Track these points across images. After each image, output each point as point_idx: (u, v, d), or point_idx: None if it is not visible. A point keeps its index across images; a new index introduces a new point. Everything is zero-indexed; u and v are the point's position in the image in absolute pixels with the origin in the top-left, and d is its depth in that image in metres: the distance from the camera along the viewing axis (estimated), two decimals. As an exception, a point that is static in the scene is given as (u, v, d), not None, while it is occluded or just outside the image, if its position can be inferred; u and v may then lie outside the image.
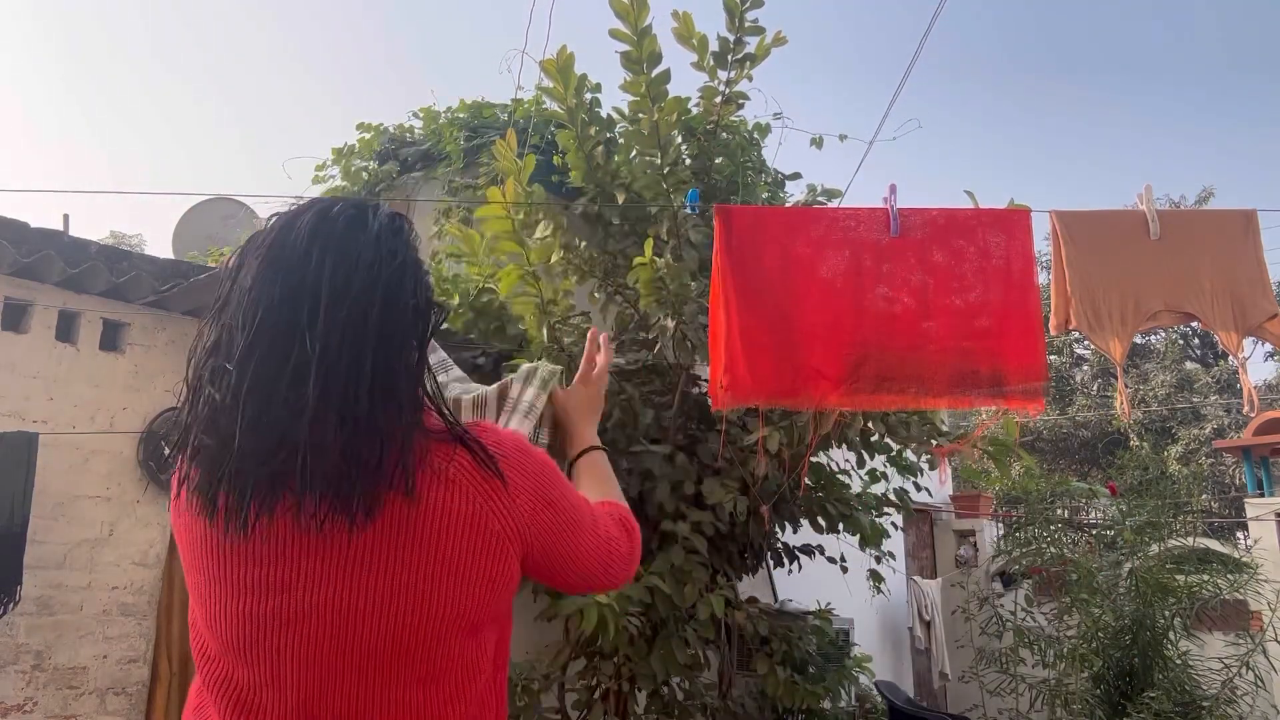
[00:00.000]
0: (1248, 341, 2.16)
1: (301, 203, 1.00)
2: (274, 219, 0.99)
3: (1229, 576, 4.85)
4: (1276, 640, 4.56)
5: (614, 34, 3.10)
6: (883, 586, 5.18)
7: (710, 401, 2.09)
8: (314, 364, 0.87)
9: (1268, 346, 15.76)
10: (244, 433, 0.87)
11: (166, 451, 3.94)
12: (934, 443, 4.24)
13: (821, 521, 4.19)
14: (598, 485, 1.33)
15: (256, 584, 0.93)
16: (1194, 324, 2.17)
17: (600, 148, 3.80)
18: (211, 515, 0.91)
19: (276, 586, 0.92)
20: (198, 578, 0.98)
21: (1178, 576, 4.83)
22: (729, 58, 3.31)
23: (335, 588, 0.91)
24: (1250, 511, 7.04)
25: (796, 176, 4.95)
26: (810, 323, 2.04)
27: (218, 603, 0.96)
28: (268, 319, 0.90)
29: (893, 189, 2.09)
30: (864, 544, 4.30)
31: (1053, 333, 2.13)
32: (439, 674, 0.96)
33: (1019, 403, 2.03)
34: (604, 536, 1.12)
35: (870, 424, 3.80)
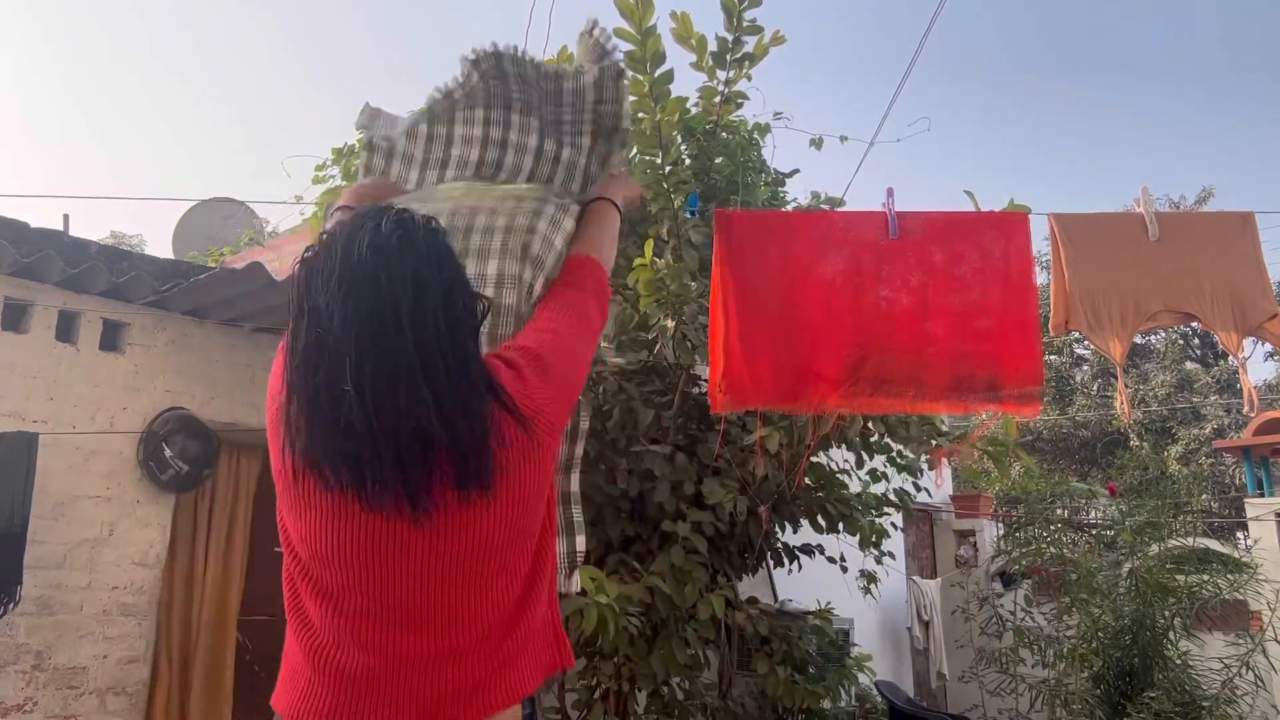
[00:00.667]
0: (1247, 341, 2.16)
1: (347, 219, 1.16)
2: (327, 236, 1.14)
3: (1229, 576, 4.85)
4: (1276, 640, 4.56)
5: (618, 33, 3.09)
6: (874, 588, 5.18)
7: (710, 404, 2.09)
8: (419, 372, 1.05)
9: (1267, 346, 15.77)
10: (384, 433, 1.04)
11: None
12: (934, 443, 4.24)
13: (821, 521, 4.18)
14: (588, 233, 1.55)
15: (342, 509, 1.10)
16: (1194, 324, 2.17)
17: (600, 148, 3.79)
18: (358, 494, 1.07)
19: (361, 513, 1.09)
20: (296, 516, 1.15)
21: (1178, 576, 4.82)
22: (727, 57, 3.31)
23: (415, 552, 1.10)
24: (1250, 511, 7.04)
25: (796, 173, 4.94)
26: (809, 326, 2.04)
27: (320, 532, 1.12)
28: (366, 337, 1.05)
29: (890, 192, 2.10)
30: (863, 544, 4.30)
31: (1053, 333, 2.13)
32: (512, 567, 1.18)
33: (1015, 407, 2.03)
34: (589, 327, 1.38)
35: (870, 424, 3.80)
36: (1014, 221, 2.15)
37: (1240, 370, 2.18)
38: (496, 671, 1.15)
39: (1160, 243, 2.13)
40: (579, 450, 1.83)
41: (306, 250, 1.14)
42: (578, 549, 1.83)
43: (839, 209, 4.24)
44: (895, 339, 2.03)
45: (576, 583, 1.80)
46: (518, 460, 1.13)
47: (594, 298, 1.42)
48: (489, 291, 1.62)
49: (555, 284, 1.43)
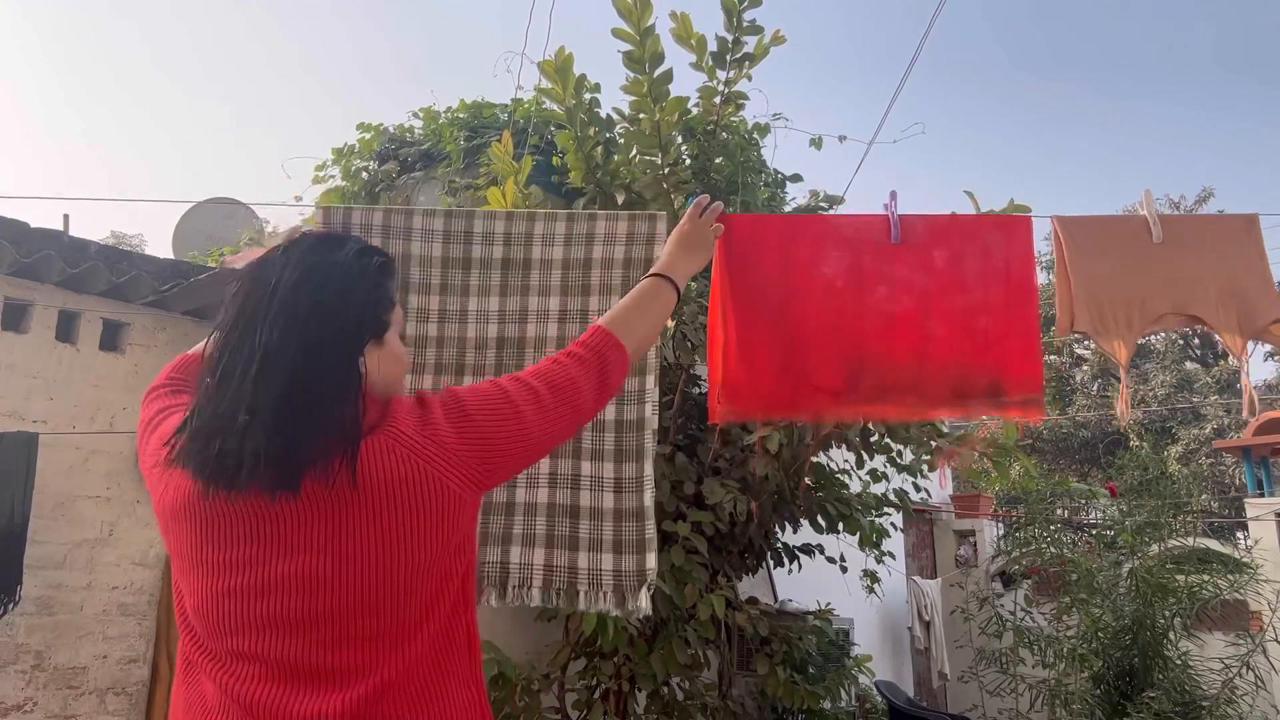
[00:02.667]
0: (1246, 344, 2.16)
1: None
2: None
3: (1229, 576, 4.85)
4: (1276, 640, 4.56)
5: (616, 33, 3.09)
6: (877, 587, 5.18)
7: (709, 414, 2.08)
8: (260, 352, 1.04)
9: (1267, 346, 15.75)
10: (203, 422, 1.05)
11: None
12: (934, 444, 4.24)
13: (821, 521, 4.18)
14: (619, 308, 1.45)
15: (228, 563, 1.07)
16: (1198, 327, 2.16)
17: (600, 148, 3.79)
18: (197, 478, 1.06)
19: (243, 564, 1.06)
20: (182, 565, 1.13)
21: (1178, 576, 4.82)
22: (727, 57, 3.31)
23: (297, 560, 1.05)
24: (1250, 511, 7.04)
25: (798, 179, 4.94)
26: (809, 333, 2.03)
27: (199, 586, 1.09)
28: (243, 317, 1.08)
29: (893, 196, 2.08)
30: (863, 544, 4.30)
31: (1057, 335, 2.12)
32: (403, 625, 1.08)
33: (1018, 413, 2.02)
34: (565, 403, 1.25)
35: (870, 424, 3.80)
36: (1016, 225, 2.14)
37: (1243, 374, 2.18)
38: None
39: (1164, 245, 2.12)
40: (648, 469, 1.86)
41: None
42: (648, 566, 1.84)
43: (840, 209, 4.24)
44: (896, 345, 2.02)
45: (646, 602, 1.81)
46: (387, 499, 1.06)
47: (589, 374, 1.30)
48: (552, 325, 1.86)
49: (566, 348, 1.35)
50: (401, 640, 1.08)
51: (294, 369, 1.05)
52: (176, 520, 1.11)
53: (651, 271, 1.56)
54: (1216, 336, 2.13)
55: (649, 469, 1.88)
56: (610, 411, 1.93)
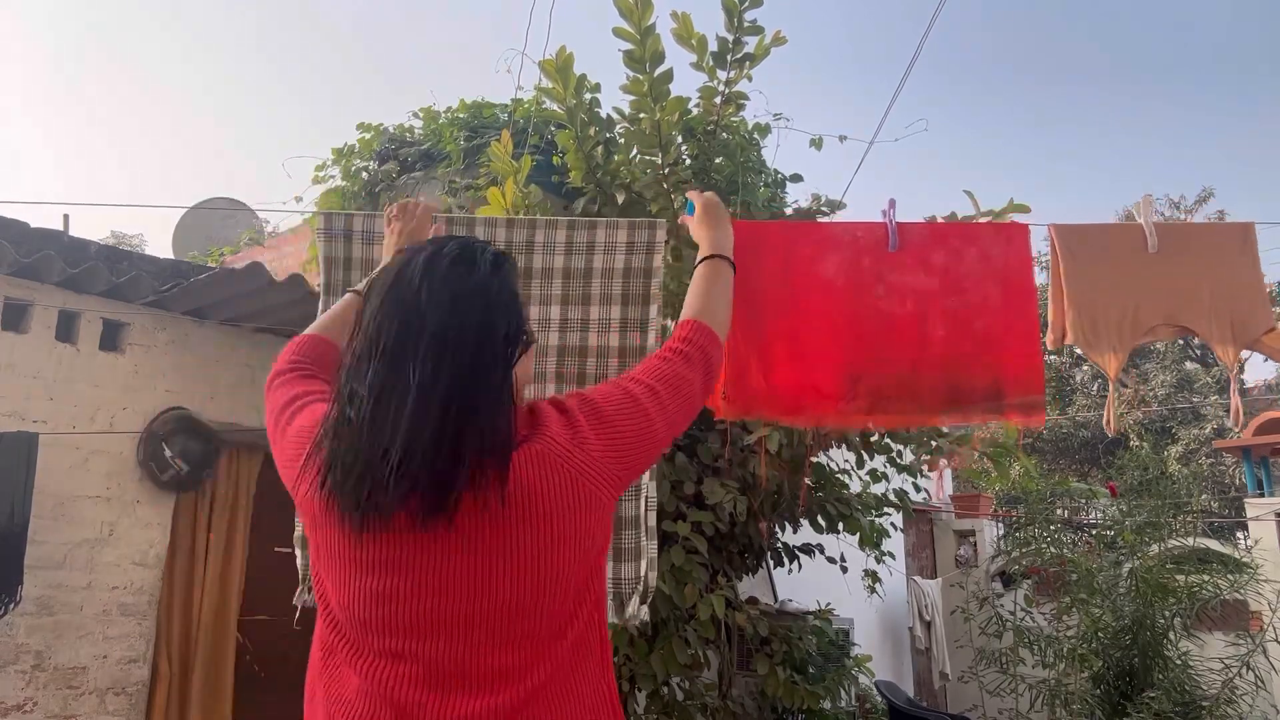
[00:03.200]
0: (1242, 351, 2.16)
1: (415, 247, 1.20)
2: (398, 255, 1.19)
3: (1229, 576, 4.84)
4: (1276, 640, 4.56)
5: (617, 32, 3.09)
6: (878, 587, 5.18)
7: (713, 411, 2.08)
8: (414, 388, 1.04)
9: (1268, 346, 15.71)
10: (367, 446, 1.04)
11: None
12: (934, 443, 4.24)
13: (821, 521, 4.19)
14: (694, 297, 1.48)
15: (382, 564, 1.07)
16: (1190, 338, 2.16)
17: (600, 148, 3.79)
18: (346, 511, 1.06)
19: (397, 565, 1.07)
20: (330, 562, 1.12)
21: (1178, 576, 4.82)
22: (728, 58, 3.31)
23: (453, 562, 1.06)
24: (1250, 511, 7.04)
25: (798, 179, 4.94)
26: (809, 339, 2.04)
27: (347, 581, 1.10)
28: (389, 348, 1.07)
29: (892, 203, 2.09)
30: (863, 544, 4.30)
31: (1050, 347, 2.13)
32: (554, 627, 1.09)
33: (1019, 417, 2.02)
34: (679, 397, 1.27)
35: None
36: (1014, 231, 2.15)
37: (1232, 385, 2.18)
38: None
39: (1159, 255, 2.12)
40: (645, 476, 1.88)
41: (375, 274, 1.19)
42: (646, 573, 1.86)
43: (840, 211, 4.24)
44: (896, 352, 2.03)
45: (644, 610, 1.82)
46: (541, 507, 1.08)
47: (695, 369, 1.33)
48: (553, 334, 1.83)
49: (665, 345, 1.38)
50: (552, 642, 1.09)
51: (449, 402, 1.04)
52: (318, 528, 1.12)
53: (702, 256, 1.59)
54: (1210, 348, 2.13)
55: (646, 477, 1.89)
56: None
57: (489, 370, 1.08)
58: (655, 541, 1.88)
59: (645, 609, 1.83)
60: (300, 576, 2.12)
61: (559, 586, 1.09)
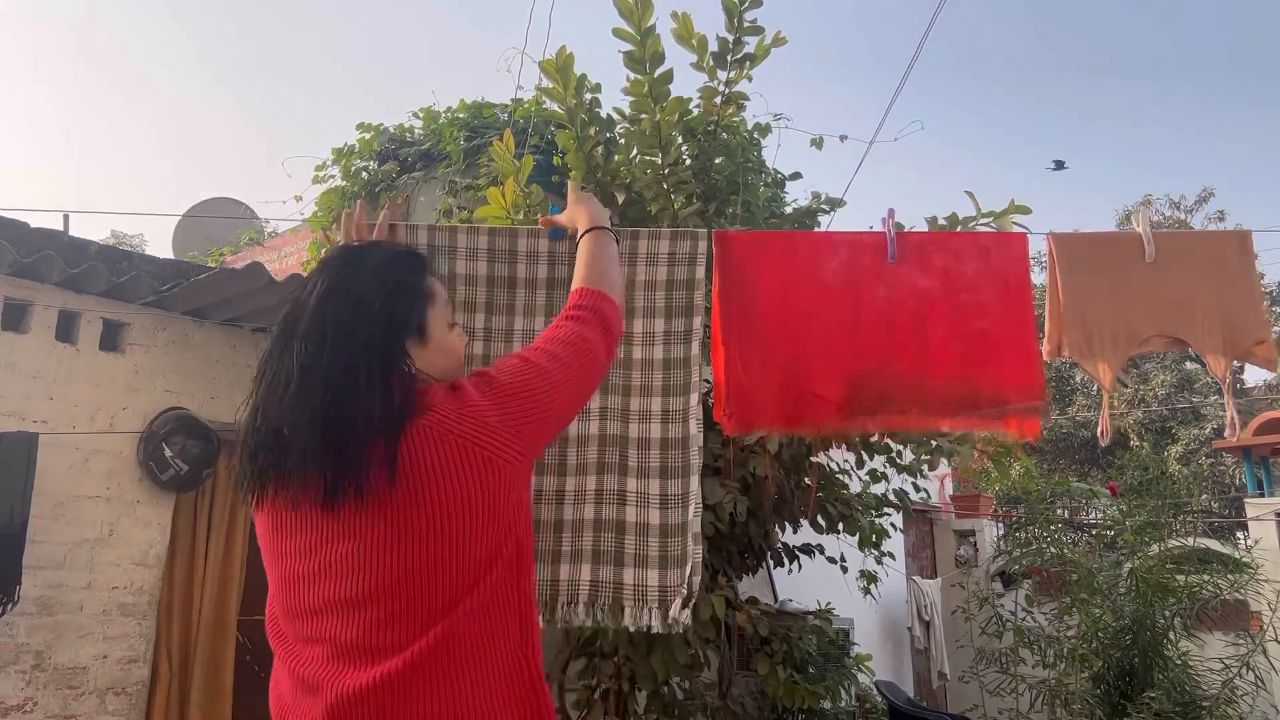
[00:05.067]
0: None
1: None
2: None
3: (1229, 576, 4.85)
4: (1276, 640, 4.56)
5: (617, 33, 3.09)
6: (874, 588, 5.18)
7: (721, 427, 2.09)
8: (296, 377, 1.11)
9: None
10: (256, 430, 1.14)
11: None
12: (934, 443, 4.24)
13: (821, 521, 4.18)
14: (583, 267, 1.54)
15: (295, 551, 1.14)
16: (1185, 349, 2.17)
17: (600, 148, 3.79)
18: (264, 502, 1.15)
19: (306, 550, 1.13)
20: (265, 556, 1.20)
21: (1178, 576, 4.83)
22: (728, 58, 3.31)
23: (351, 543, 1.10)
24: (1250, 511, 7.04)
25: (797, 177, 4.95)
26: (810, 347, 2.04)
27: (272, 571, 1.18)
28: (279, 336, 1.17)
29: (891, 213, 2.10)
30: (863, 544, 4.30)
31: (1045, 358, 2.13)
32: (451, 597, 1.11)
33: (1019, 422, 2.03)
34: (581, 358, 1.33)
35: (870, 424, 3.79)
36: (1013, 239, 2.16)
37: (1227, 398, 2.18)
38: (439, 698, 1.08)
39: (1156, 265, 2.12)
40: (694, 484, 1.87)
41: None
42: (691, 579, 1.85)
43: (841, 211, 4.24)
44: (896, 358, 2.03)
45: (686, 615, 1.82)
46: (433, 479, 1.10)
47: (591, 328, 1.38)
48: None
49: (558, 316, 1.43)
50: (449, 610, 1.11)
51: (329, 380, 1.10)
52: (256, 517, 1.20)
53: (583, 230, 1.63)
54: (1203, 358, 2.14)
55: (695, 484, 1.89)
56: (655, 429, 1.93)
57: (368, 354, 1.14)
58: (700, 547, 1.86)
59: (687, 613, 1.83)
60: None
61: (458, 555, 1.11)
